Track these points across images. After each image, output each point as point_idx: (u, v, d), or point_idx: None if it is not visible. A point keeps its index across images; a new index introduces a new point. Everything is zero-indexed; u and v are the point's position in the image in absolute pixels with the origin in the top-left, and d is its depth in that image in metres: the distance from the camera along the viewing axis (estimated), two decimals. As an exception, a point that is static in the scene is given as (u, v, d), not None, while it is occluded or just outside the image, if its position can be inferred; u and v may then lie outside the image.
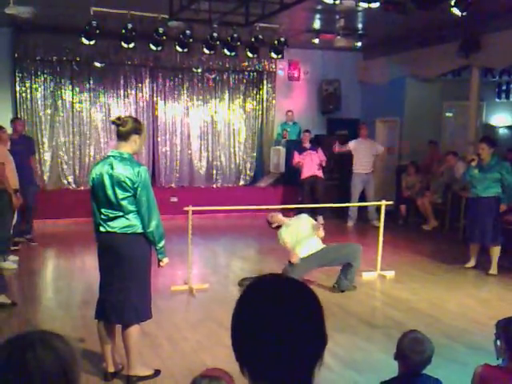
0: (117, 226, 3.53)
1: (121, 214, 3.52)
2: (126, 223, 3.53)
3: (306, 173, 9.76)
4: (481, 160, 6.52)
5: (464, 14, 5.87)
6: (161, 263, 3.75)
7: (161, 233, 3.62)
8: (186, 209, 5.78)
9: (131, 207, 3.52)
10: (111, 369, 3.75)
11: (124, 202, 3.50)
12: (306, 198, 9.62)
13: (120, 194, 3.49)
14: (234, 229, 9.48)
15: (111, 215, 3.54)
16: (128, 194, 3.50)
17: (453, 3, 5.84)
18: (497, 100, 10.80)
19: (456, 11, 5.87)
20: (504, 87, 10.70)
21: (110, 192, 3.50)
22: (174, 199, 9.80)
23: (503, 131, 10.76)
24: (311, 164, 9.74)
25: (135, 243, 3.57)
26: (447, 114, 10.93)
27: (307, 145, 9.85)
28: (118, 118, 3.64)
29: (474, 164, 6.54)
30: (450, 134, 10.90)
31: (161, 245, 3.65)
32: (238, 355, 1.14)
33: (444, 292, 5.88)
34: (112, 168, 3.50)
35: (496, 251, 6.50)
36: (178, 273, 6.37)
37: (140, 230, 3.56)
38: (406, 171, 10.09)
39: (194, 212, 5.86)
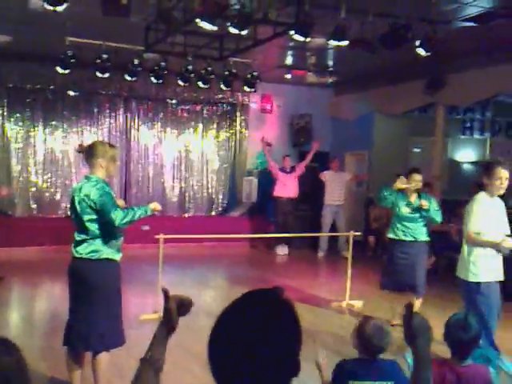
0: (83, 251, 3.54)
1: (88, 237, 3.53)
2: (91, 248, 3.53)
3: (280, 192, 10.10)
4: (410, 196, 5.60)
5: (428, 54, 6.17)
6: (155, 211, 3.75)
7: (129, 220, 3.55)
8: (157, 237, 5.79)
9: (98, 231, 3.53)
10: (78, 398, 3.70)
11: (89, 225, 3.52)
12: (278, 222, 9.96)
13: (85, 215, 3.52)
14: (205, 258, 9.47)
15: (78, 239, 3.57)
16: (92, 217, 3.52)
17: (418, 44, 6.14)
18: (461, 136, 11.21)
19: (421, 51, 6.17)
20: (468, 124, 11.13)
21: (78, 214, 3.55)
22: (146, 228, 9.76)
23: (467, 166, 11.14)
24: (287, 187, 10.08)
25: (101, 270, 3.56)
26: (414, 150, 11.28)
27: (288, 170, 10.26)
28: (80, 145, 3.74)
29: (402, 187, 5.51)
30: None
31: (137, 217, 3.60)
32: (212, 371, 1.16)
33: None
34: (80, 191, 3.55)
35: (418, 303, 5.54)
36: (147, 301, 6.33)
37: (105, 256, 3.56)
38: (374, 203, 10.31)
39: (165, 241, 5.88)
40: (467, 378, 2.50)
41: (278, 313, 1.15)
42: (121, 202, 3.87)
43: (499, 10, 6.14)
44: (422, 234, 5.63)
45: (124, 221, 3.50)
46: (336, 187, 10.07)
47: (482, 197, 4.39)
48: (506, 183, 4.27)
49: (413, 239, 5.60)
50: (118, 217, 3.45)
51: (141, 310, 5.94)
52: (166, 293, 1.47)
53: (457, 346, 2.58)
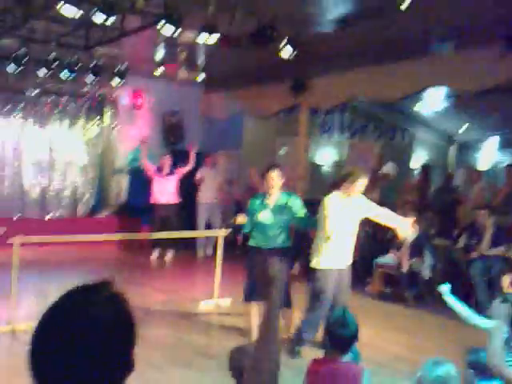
0: None
1: None
2: None
3: (158, 197, 9.30)
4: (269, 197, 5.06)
5: (292, 56, 6.33)
6: None
7: None
8: (10, 240, 5.21)
9: None
10: None
11: None
12: (156, 228, 9.06)
13: None
14: (69, 263, 8.84)
15: None
16: None
17: (283, 44, 6.27)
18: (322, 137, 11.61)
19: (284, 54, 6.31)
20: (328, 126, 11.53)
21: None
22: (1, 231, 8.92)
23: (325, 169, 11.57)
24: (164, 192, 9.30)
25: None
26: (281, 150, 11.54)
27: (166, 170, 9.40)
28: None
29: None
30: (284, 168, 11.50)
31: None
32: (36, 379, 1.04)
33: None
34: None
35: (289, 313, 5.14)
36: (-1, 313, 5.73)
37: None
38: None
39: (23, 245, 5.33)
40: (340, 373, 2.56)
41: (106, 308, 1.07)
42: None
43: (362, 13, 6.21)
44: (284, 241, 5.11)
45: None
46: (210, 185, 9.99)
47: (332, 198, 4.79)
48: (362, 188, 4.78)
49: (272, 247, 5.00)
50: None
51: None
52: None
53: (338, 343, 2.63)
